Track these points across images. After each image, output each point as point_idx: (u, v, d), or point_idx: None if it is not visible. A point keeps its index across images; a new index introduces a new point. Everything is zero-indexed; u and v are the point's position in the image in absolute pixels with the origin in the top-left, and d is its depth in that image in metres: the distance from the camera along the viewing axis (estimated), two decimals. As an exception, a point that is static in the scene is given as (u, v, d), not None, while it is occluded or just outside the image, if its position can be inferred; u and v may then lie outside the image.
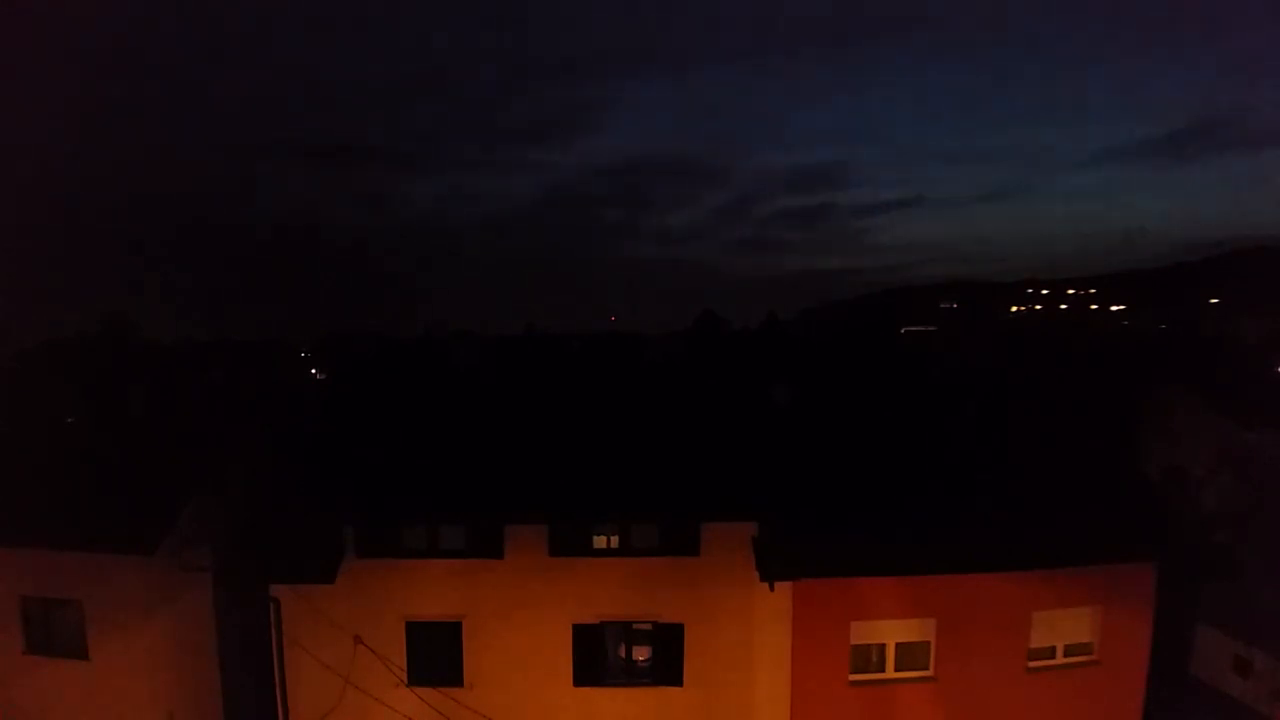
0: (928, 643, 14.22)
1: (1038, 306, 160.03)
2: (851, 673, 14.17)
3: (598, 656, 14.43)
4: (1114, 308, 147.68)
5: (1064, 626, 14.45)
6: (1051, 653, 14.50)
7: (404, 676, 14.30)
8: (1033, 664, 14.37)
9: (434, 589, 14.24)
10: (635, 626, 14.41)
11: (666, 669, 14.40)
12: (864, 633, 14.14)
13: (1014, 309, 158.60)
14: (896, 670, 14.31)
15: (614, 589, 14.20)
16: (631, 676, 14.53)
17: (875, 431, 17.03)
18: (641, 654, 14.55)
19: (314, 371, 64.05)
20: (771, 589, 13.43)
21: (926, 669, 14.27)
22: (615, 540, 14.36)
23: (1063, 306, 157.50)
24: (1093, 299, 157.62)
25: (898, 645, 14.27)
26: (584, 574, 14.23)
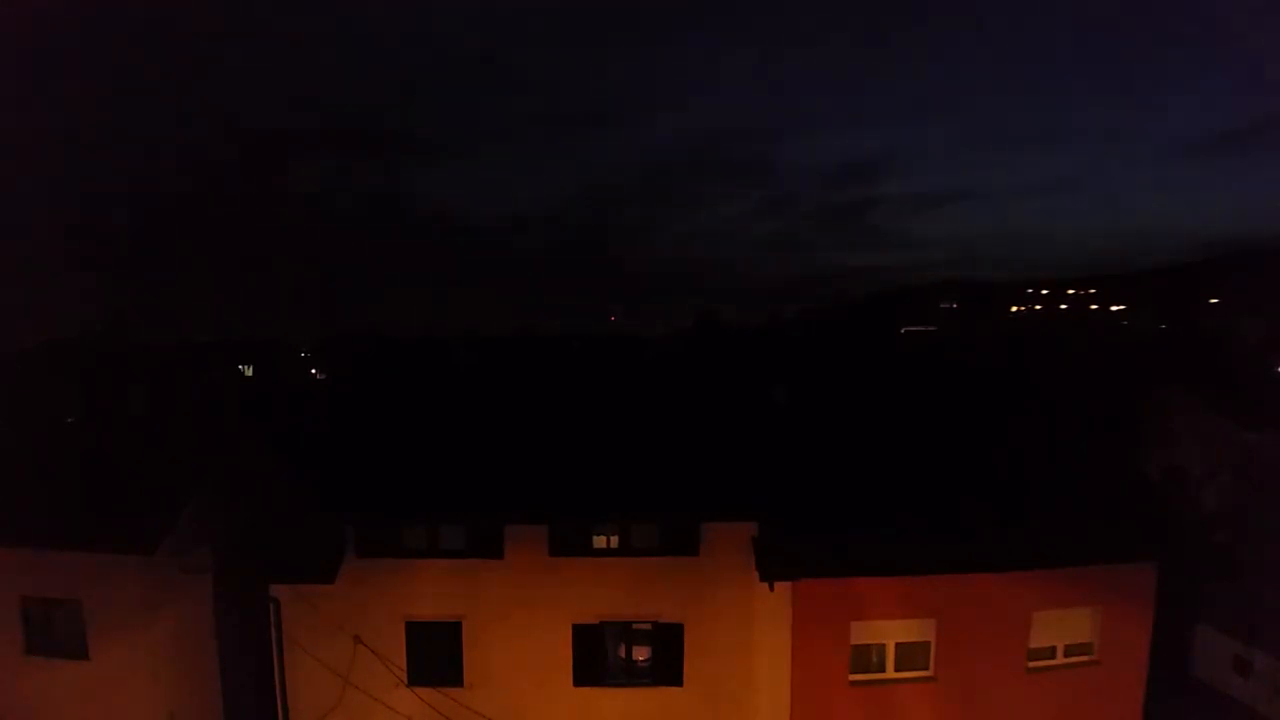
0: (928, 643, 14.22)
1: (1038, 306, 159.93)
2: (851, 673, 14.17)
3: (598, 656, 14.43)
4: (1114, 308, 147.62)
5: (1064, 626, 14.45)
6: (1051, 653, 14.51)
7: (404, 676, 14.30)
8: (1033, 664, 14.38)
9: (434, 589, 14.23)
10: (635, 626, 14.41)
11: (666, 669, 14.40)
12: (864, 633, 14.14)
13: (1014, 309, 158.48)
14: (896, 670, 14.31)
15: (614, 589, 14.20)
16: (631, 676, 14.52)
17: (875, 432, 17.03)
18: (641, 654, 14.55)
19: (314, 371, 64.08)
20: (771, 589, 13.44)
21: (926, 669, 14.28)
22: (615, 540, 14.36)
23: (1063, 306, 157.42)
24: (1093, 299, 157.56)
25: (898, 645, 14.28)
26: (584, 574, 14.23)
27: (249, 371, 58.57)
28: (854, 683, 14.17)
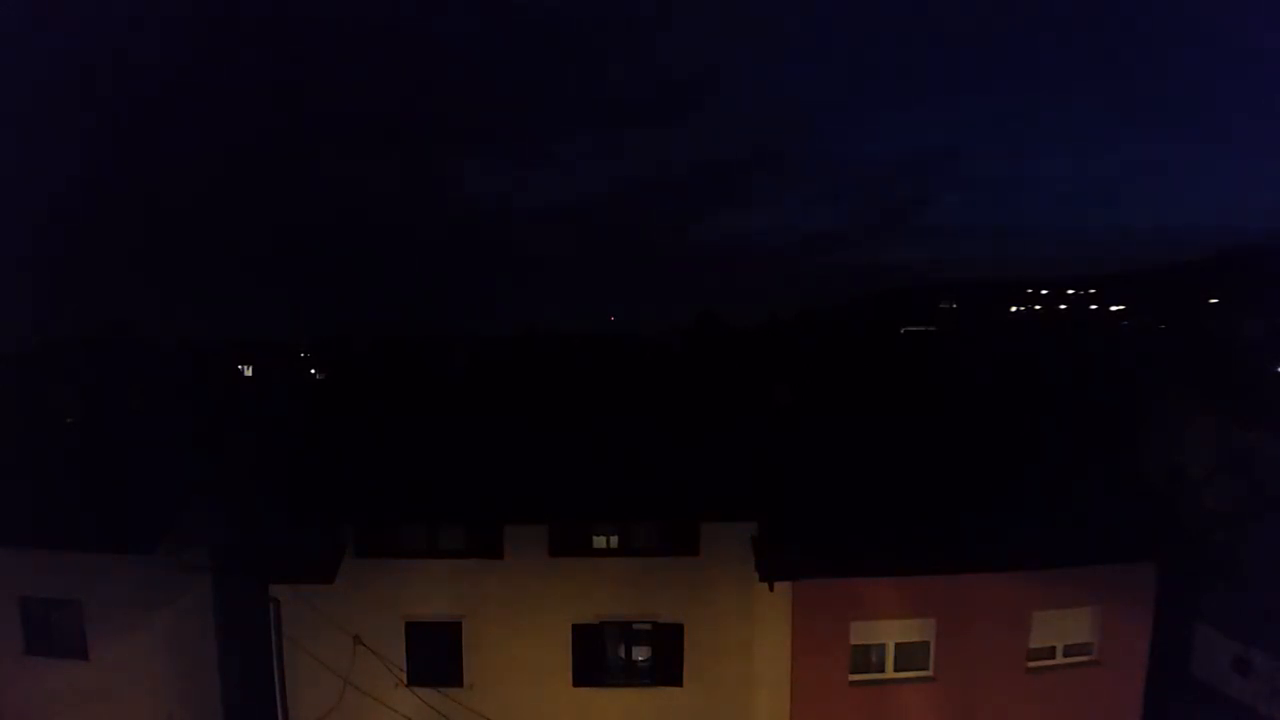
0: (927, 643, 14.22)
1: (1038, 306, 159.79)
2: (851, 673, 14.17)
3: (597, 656, 14.43)
4: (1114, 308, 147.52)
5: (1064, 626, 14.46)
6: (1051, 653, 14.51)
7: (404, 677, 14.30)
8: (1033, 664, 14.38)
9: (434, 589, 14.24)
10: (635, 626, 14.41)
11: (666, 669, 14.40)
12: (864, 633, 14.14)
13: (1014, 309, 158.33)
14: (896, 670, 14.31)
15: (614, 589, 14.20)
16: (631, 676, 14.53)
17: (875, 431, 17.03)
18: (641, 654, 14.56)
19: (313, 371, 64.08)
20: (771, 589, 13.44)
21: (926, 669, 14.28)
22: (615, 540, 14.37)
23: (1062, 306, 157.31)
24: (1093, 299, 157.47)
25: (897, 645, 14.28)
26: (584, 574, 14.23)
27: (249, 371, 58.59)
28: (854, 683, 14.17)
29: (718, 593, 14.17)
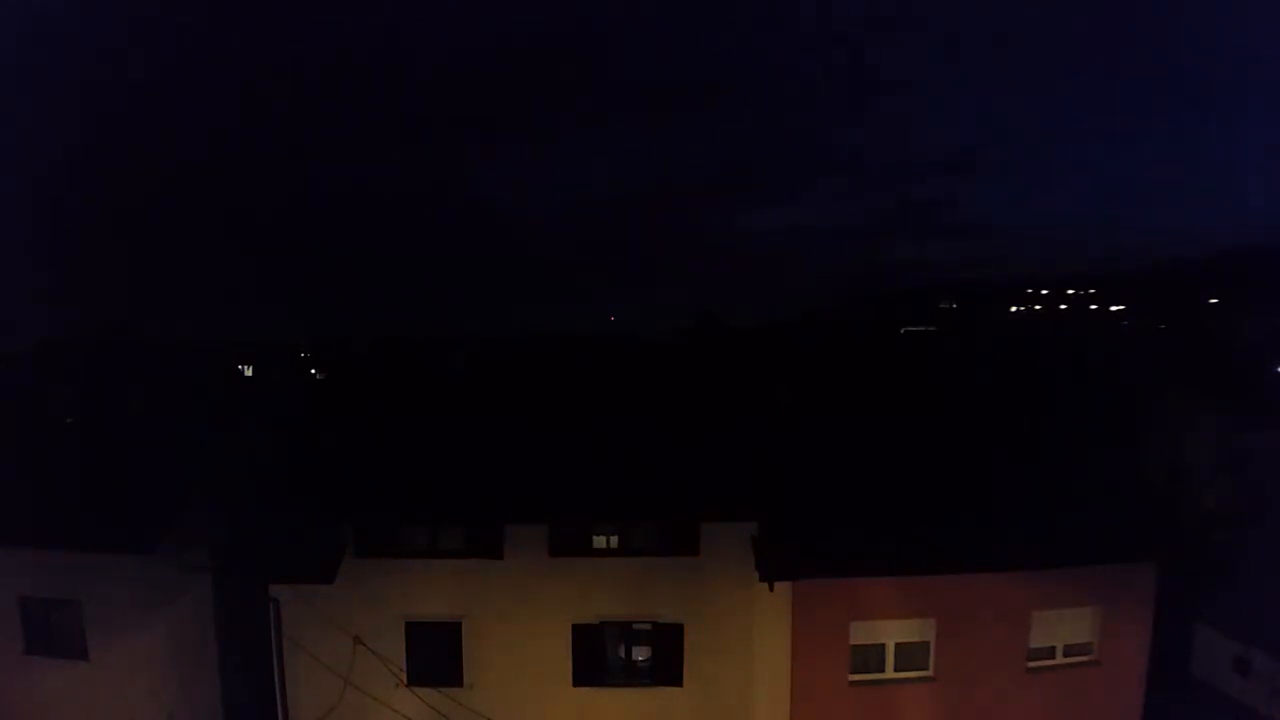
0: (927, 643, 14.22)
1: (1037, 306, 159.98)
2: (851, 673, 14.17)
3: (597, 656, 14.43)
4: (1114, 308, 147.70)
5: (1064, 626, 14.46)
6: (1051, 653, 14.51)
7: (404, 677, 14.31)
8: (1032, 664, 14.38)
9: (434, 589, 14.24)
10: (635, 626, 14.41)
11: (666, 669, 14.40)
12: (864, 633, 14.14)
13: (1014, 309, 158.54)
14: (896, 670, 14.31)
15: (614, 589, 14.20)
16: (631, 676, 14.52)
17: (874, 432, 17.04)
18: (641, 654, 14.56)
19: (313, 372, 64.15)
20: (771, 589, 13.44)
21: (926, 669, 14.27)
22: (615, 540, 14.37)
23: (1062, 306, 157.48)
24: (1093, 299, 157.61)
25: (897, 645, 14.27)
26: (584, 574, 14.23)
27: (249, 371, 58.65)
28: (854, 683, 14.17)
29: (718, 593, 14.17)
